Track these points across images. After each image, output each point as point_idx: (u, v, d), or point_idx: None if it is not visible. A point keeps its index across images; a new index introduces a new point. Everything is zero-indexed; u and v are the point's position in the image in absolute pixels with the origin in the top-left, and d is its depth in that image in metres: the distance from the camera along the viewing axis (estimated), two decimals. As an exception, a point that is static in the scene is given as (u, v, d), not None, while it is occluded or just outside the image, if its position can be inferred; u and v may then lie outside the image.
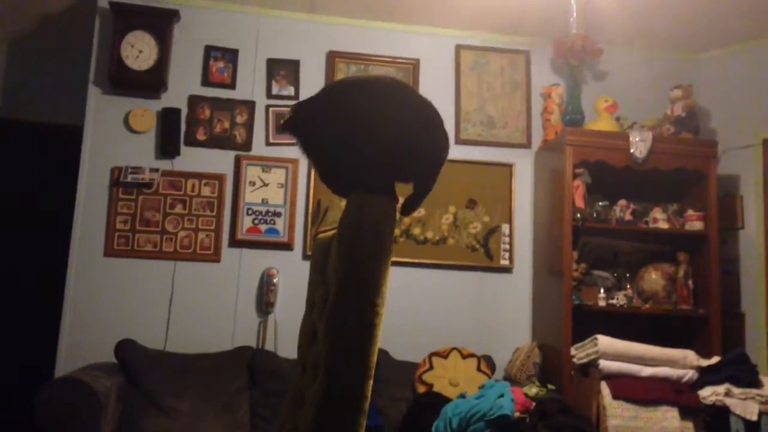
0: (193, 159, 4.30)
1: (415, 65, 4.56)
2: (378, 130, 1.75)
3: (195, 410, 3.71)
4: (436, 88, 4.57)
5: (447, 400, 3.65)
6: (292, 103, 4.41)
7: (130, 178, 4.18)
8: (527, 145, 4.61)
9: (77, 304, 4.09)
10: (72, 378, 3.42)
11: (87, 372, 3.56)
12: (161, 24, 4.26)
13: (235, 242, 4.28)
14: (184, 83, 4.36)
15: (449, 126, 4.53)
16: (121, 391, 3.67)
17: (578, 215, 4.07)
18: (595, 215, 4.17)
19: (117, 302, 4.13)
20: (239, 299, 4.25)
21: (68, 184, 4.19)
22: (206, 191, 4.27)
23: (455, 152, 4.49)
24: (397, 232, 4.31)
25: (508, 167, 4.55)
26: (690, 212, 4.20)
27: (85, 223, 4.16)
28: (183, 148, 4.29)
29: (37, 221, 4.74)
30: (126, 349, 3.86)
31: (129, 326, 4.07)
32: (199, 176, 4.27)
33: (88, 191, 4.19)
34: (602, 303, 4.06)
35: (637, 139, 4.12)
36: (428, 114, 1.79)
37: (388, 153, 1.76)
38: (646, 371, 3.67)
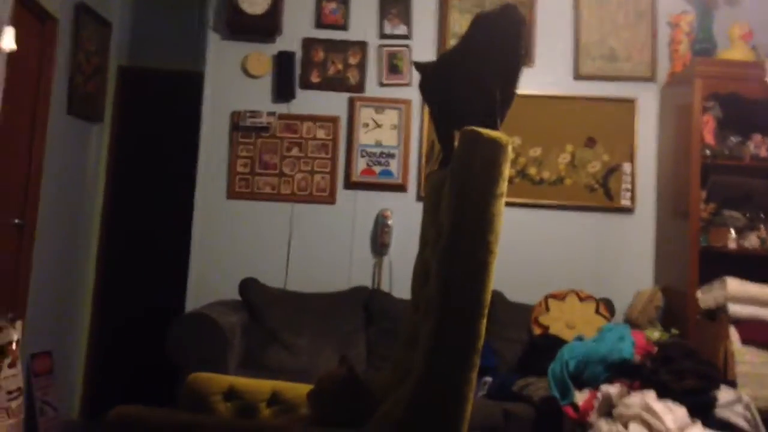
0: (307, 102, 4.36)
1: (531, -2, 4.37)
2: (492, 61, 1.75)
3: (314, 346, 3.85)
4: (553, 21, 4.37)
5: (563, 342, 3.59)
6: (404, 42, 4.36)
7: (248, 122, 4.29)
8: (652, 78, 4.35)
9: (203, 245, 4.29)
10: (200, 314, 3.62)
11: (214, 308, 3.76)
12: (275, -33, 4.28)
13: (349, 184, 4.33)
14: (297, 26, 4.39)
15: (569, 60, 4.36)
16: (246, 327, 3.85)
17: (708, 152, 3.83)
18: (726, 152, 3.90)
19: (239, 243, 4.30)
20: (355, 240, 4.32)
21: (191, 129, 4.36)
22: (321, 134, 4.33)
23: (573, 88, 4.34)
24: (512, 172, 4.22)
25: (631, 102, 4.33)
26: (835, 147, 3.86)
27: (207, 166, 4.33)
28: (298, 91, 4.35)
29: (164, 166, 4.96)
30: (249, 287, 4.04)
31: (251, 266, 4.23)
32: (313, 119, 4.33)
33: (209, 136, 4.34)
34: (732, 245, 3.83)
35: (775, 68, 3.80)
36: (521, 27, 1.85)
37: (499, 80, 1.75)
38: (780, 316, 3.47)
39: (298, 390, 2.25)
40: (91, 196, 4.73)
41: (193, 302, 4.18)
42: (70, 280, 4.49)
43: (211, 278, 4.24)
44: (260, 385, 2.37)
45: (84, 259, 4.68)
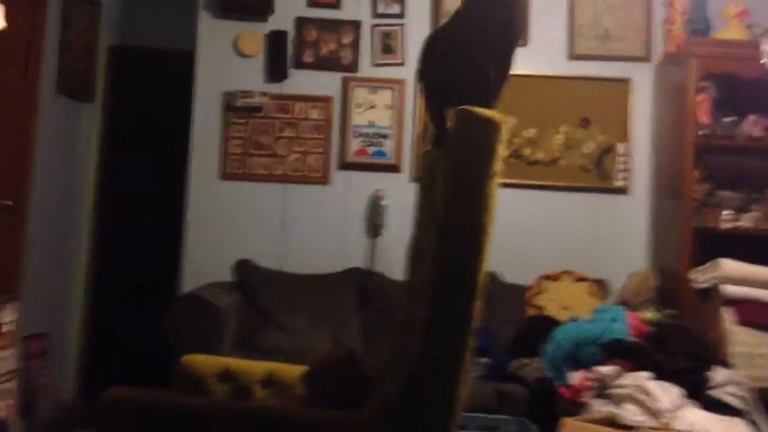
0: (300, 82, 4.32)
1: (526, -23, 4.33)
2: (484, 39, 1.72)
3: (309, 327, 3.85)
4: (547, 1, 4.34)
5: (557, 323, 3.60)
6: (398, 21, 4.33)
7: (241, 102, 4.26)
8: (647, 58, 4.33)
9: (197, 226, 4.27)
10: (195, 295, 3.62)
11: (208, 290, 3.75)
12: (267, -55, 4.22)
13: (343, 165, 4.31)
14: (290, 5, 4.34)
15: (563, 40, 4.34)
16: (240, 308, 3.85)
17: (702, 132, 3.83)
18: (720, 132, 3.89)
19: (233, 223, 4.28)
20: (349, 221, 4.30)
21: (184, 108, 4.32)
22: (314, 114, 4.30)
23: (567, 68, 4.32)
24: (506, 152, 4.20)
25: (625, 82, 4.31)
26: (829, 127, 3.85)
27: (200, 147, 4.30)
28: (291, 71, 4.31)
29: (156, 146, 4.92)
30: (244, 268, 4.04)
31: (245, 247, 4.22)
32: (306, 99, 4.30)
33: (202, 116, 4.31)
34: (727, 225, 3.83)
35: (770, 48, 3.78)
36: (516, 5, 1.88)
37: (494, 58, 1.73)
38: (774, 296, 3.48)
39: (293, 371, 2.24)
40: (83, 176, 4.70)
41: (187, 283, 4.16)
42: (63, 261, 4.47)
43: (205, 259, 4.22)
44: (255, 367, 2.36)
45: (77, 240, 4.65)
